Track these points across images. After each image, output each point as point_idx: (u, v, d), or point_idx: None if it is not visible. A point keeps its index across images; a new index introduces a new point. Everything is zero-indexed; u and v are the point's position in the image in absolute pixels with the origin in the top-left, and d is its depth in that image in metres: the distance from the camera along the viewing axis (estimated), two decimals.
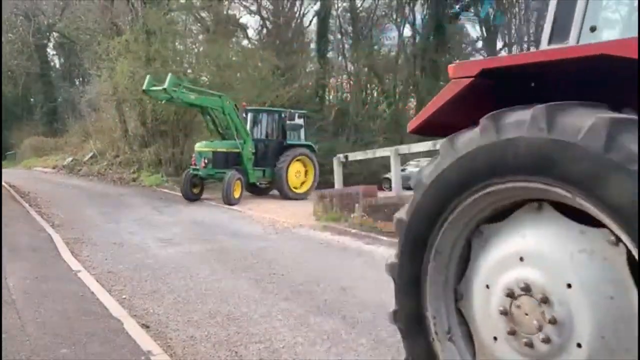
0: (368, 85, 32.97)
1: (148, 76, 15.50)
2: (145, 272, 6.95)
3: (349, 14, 33.44)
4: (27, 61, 35.15)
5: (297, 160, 17.10)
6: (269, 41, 29.60)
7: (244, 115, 17.14)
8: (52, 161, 28.65)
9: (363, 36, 33.11)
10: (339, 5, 32.27)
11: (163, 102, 16.27)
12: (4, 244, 7.99)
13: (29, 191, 15.92)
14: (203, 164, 15.43)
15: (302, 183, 17.41)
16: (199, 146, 16.13)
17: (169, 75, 15.18)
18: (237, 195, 15.13)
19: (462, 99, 2.31)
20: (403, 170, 15.77)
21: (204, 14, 26.82)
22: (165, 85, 14.52)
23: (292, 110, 17.99)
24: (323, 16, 30.51)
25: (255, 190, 17.62)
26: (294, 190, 17.04)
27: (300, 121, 17.75)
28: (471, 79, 2.25)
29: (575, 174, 1.84)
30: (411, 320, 2.48)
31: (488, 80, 2.26)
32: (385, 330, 4.79)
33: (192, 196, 15.65)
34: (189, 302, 5.69)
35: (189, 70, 22.21)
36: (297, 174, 17.21)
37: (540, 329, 2.00)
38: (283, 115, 17.51)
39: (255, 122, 17.41)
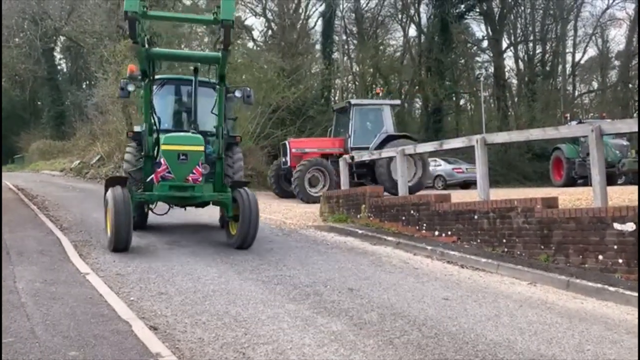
0: (373, 86, 32.97)
1: None
2: (153, 274, 6.98)
3: (354, 15, 33.48)
4: (34, 65, 35.38)
5: None
6: (274, 43, 29.65)
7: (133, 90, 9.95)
8: (60, 164, 28.80)
9: (368, 37, 33.12)
10: (344, 6, 32.29)
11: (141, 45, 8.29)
12: (12, 247, 8.06)
13: (37, 194, 15.99)
14: (198, 175, 8.50)
15: None
16: (178, 141, 8.51)
17: None
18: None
19: None
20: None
21: None
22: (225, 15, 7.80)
23: (247, 87, 11.07)
24: (328, 17, 30.53)
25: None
26: None
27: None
28: None
29: None
30: None
31: None
32: (392, 331, 4.82)
33: (129, 243, 8.14)
34: (197, 303, 5.71)
35: None
36: None
37: None
38: (235, 93, 10.39)
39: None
